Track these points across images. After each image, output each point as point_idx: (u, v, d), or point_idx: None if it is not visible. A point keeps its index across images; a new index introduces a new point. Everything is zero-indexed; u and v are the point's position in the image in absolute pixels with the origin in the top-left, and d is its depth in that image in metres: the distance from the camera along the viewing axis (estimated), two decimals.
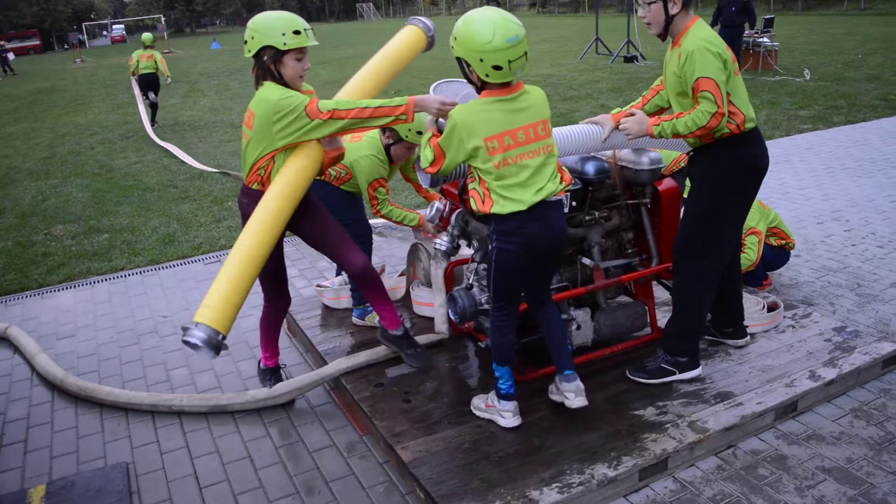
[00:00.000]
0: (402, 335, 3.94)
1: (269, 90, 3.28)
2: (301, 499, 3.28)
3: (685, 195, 3.83)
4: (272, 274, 3.73)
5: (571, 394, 3.41)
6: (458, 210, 3.92)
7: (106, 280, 6.22)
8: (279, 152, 3.34)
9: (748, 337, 4.05)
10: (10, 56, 37.82)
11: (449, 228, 3.98)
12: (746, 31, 13.68)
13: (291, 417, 3.91)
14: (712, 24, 13.50)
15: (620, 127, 3.57)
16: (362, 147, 4.20)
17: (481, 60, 2.92)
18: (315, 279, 5.77)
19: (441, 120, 3.24)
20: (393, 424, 3.53)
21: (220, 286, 3.16)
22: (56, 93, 23.83)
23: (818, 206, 6.86)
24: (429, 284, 4.55)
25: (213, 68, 28.17)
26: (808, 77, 14.45)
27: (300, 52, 3.29)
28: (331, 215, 3.76)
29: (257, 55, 3.28)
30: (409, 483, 3.27)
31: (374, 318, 4.49)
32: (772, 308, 4.30)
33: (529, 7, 64.81)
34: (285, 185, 3.33)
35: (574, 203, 3.75)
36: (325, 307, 4.87)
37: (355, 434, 3.74)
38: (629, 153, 3.85)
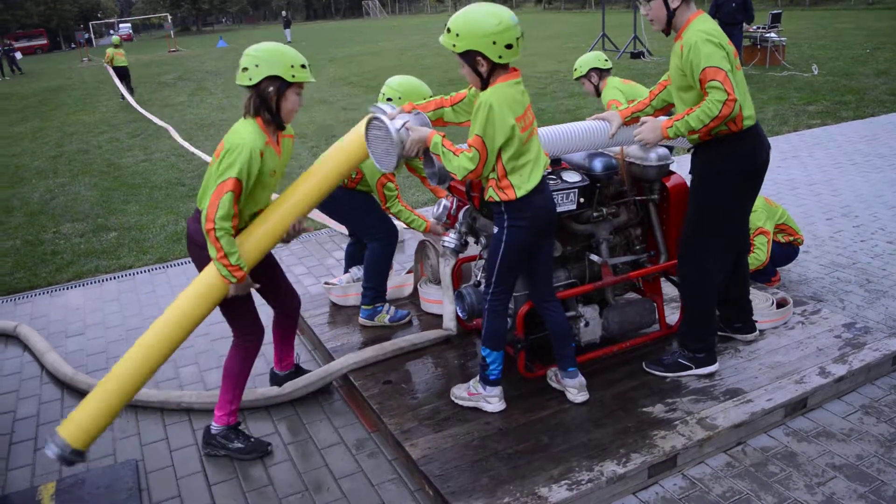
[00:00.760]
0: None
1: (249, 129, 3.16)
2: (310, 496, 3.29)
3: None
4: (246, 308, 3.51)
5: (574, 389, 3.56)
6: (466, 207, 3.92)
7: (114, 278, 6.24)
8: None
9: (757, 332, 4.05)
10: (18, 55, 37.95)
11: (457, 226, 3.98)
12: (745, 28, 13.60)
13: (300, 414, 3.92)
14: None
15: (636, 138, 3.59)
16: None
17: (494, 43, 2.99)
18: (323, 276, 5.78)
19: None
20: (402, 421, 3.53)
21: (91, 403, 3.14)
22: (63, 91, 23.91)
23: (827, 202, 6.83)
24: (437, 281, 4.55)
25: (220, 67, 28.18)
26: (815, 72, 14.39)
27: (300, 87, 3.23)
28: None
29: (258, 84, 3.15)
30: (417, 480, 3.27)
31: (384, 318, 4.49)
32: (781, 304, 4.29)
33: (536, 3, 64.69)
34: (181, 315, 3.24)
35: (582, 199, 3.74)
36: (333, 304, 4.88)
37: (364, 431, 3.74)
38: (637, 149, 3.84)
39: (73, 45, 62.69)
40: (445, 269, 4.08)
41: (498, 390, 3.54)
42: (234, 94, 18.84)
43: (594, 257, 3.86)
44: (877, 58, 16.10)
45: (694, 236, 3.61)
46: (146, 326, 5.09)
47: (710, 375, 3.72)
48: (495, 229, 3.30)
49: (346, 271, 5.01)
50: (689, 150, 3.68)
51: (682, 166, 4.49)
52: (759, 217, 4.75)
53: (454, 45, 3.06)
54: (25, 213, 8.61)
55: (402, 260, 5.90)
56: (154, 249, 6.88)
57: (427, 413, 3.59)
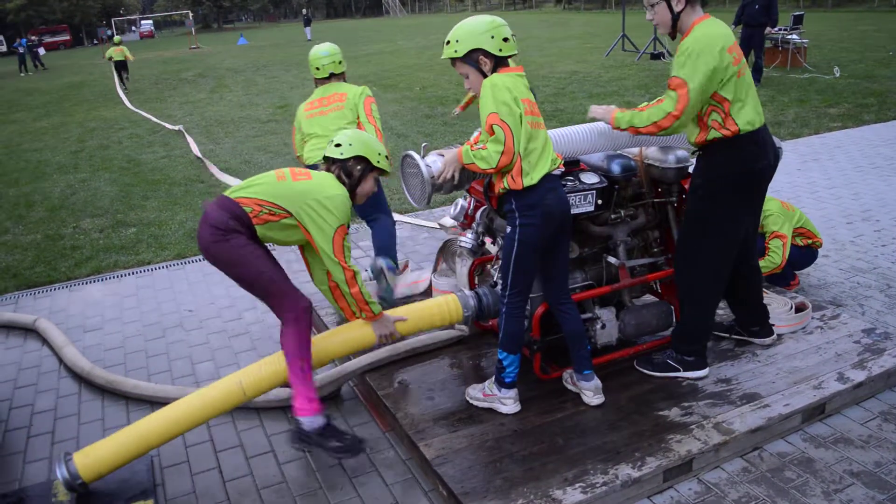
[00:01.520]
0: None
1: (341, 192, 3.38)
2: (324, 494, 3.29)
3: None
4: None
5: (590, 392, 3.56)
6: (483, 207, 3.91)
7: (133, 273, 6.28)
8: (284, 218, 3.29)
9: (775, 335, 4.01)
10: (42, 51, 38.33)
11: (473, 226, 3.98)
12: (767, 30, 13.52)
13: None
14: (734, 24, 13.36)
15: (588, 114, 3.67)
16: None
17: (492, 37, 3.16)
18: None
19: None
20: (416, 421, 3.53)
21: (118, 441, 3.22)
22: (85, 87, 24.12)
23: (847, 206, 6.76)
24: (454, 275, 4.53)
25: (240, 64, 28.33)
26: (837, 74, 14.25)
27: (380, 173, 3.55)
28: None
29: (346, 160, 3.43)
30: (431, 480, 3.27)
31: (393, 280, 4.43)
32: (800, 309, 4.25)
33: (556, 3, 64.54)
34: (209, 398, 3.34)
35: (600, 201, 3.72)
36: None
37: (378, 430, 3.74)
38: (656, 151, 3.82)
39: (95, 42, 63.35)
40: (462, 269, 4.07)
41: (513, 392, 3.53)
42: (253, 92, 18.93)
43: (612, 259, 3.84)
44: None
45: (687, 238, 3.62)
46: (164, 322, 5.19)
47: (727, 380, 3.70)
48: (508, 229, 3.31)
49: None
50: (694, 154, 3.66)
51: None
52: (776, 221, 4.71)
53: (456, 51, 3.21)
54: (46, 207, 8.69)
55: (419, 259, 5.90)
56: (172, 245, 6.92)
57: (442, 413, 3.58)
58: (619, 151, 3.89)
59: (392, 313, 3.67)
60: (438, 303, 3.80)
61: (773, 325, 4.04)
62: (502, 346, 3.46)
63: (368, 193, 3.54)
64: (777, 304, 4.25)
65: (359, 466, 3.46)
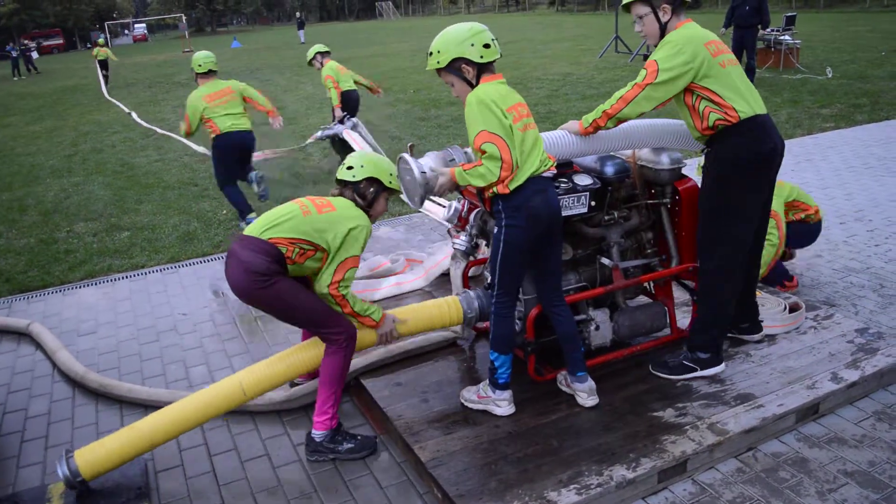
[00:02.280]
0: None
1: (366, 223, 3.44)
2: (319, 497, 3.29)
3: None
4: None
5: (584, 394, 3.56)
6: (477, 210, 3.92)
7: (127, 277, 6.26)
8: (313, 255, 3.35)
9: (763, 332, 4.03)
10: (34, 55, 38.25)
11: (467, 228, 3.98)
12: (760, 32, 13.54)
13: (310, 416, 3.90)
14: (725, 25, 13.41)
15: (561, 128, 3.73)
16: None
17: (472, 45, 3.17)
18: None
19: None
20: (410, 424, 3.53)
21: (119, 439, 3.22)
22: (79, 91, 24.09)
23: (840, 206, 6.78)
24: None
25: (234, 67, 28.27)
26: (830, 75, 14.30)
27: (391, 193, 3.59)
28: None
29: (358, 182, 3.49)
30: (426, 482, 3.27)
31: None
32: (793, 309, 4.26)
33: (549, 5, 64.62)
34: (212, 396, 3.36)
35: (593, 203, 3.73)
36: None
37: (373, 433, 3.74)
38: (649, 152, 3.83)
39: (88, 45, 63.08)
40: (456, 271, 4.08)
41: (507, 394, 3.53)
42: None
43: (605, 261, 3.85)
44: (892, 60, 15.98)
45: (705, 233, 3.64)
46: (158, 326, 5.18)
47: (721, 380, 3.70)
48: (496, 230, 3.32)
49: None
50: (702, 152, 3.67)
51: (692, 170, 4.47)
52: None
53: (438, 62, 3.23)
54: (40, 211, 8.67)
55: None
56: (166, 249, 6.91)
57: (436, 415, 3.58)
58: (612, 153, 3.89)
59: (392, 314, 3.69)
60: (439, 304, 3.81)
61: (767, 325, 4.05)
62: (493, 347, 3.47)
63: (381, 213, 3.61)
64: (771, 305, 4.26)
65: (354, 469, 3.46)
